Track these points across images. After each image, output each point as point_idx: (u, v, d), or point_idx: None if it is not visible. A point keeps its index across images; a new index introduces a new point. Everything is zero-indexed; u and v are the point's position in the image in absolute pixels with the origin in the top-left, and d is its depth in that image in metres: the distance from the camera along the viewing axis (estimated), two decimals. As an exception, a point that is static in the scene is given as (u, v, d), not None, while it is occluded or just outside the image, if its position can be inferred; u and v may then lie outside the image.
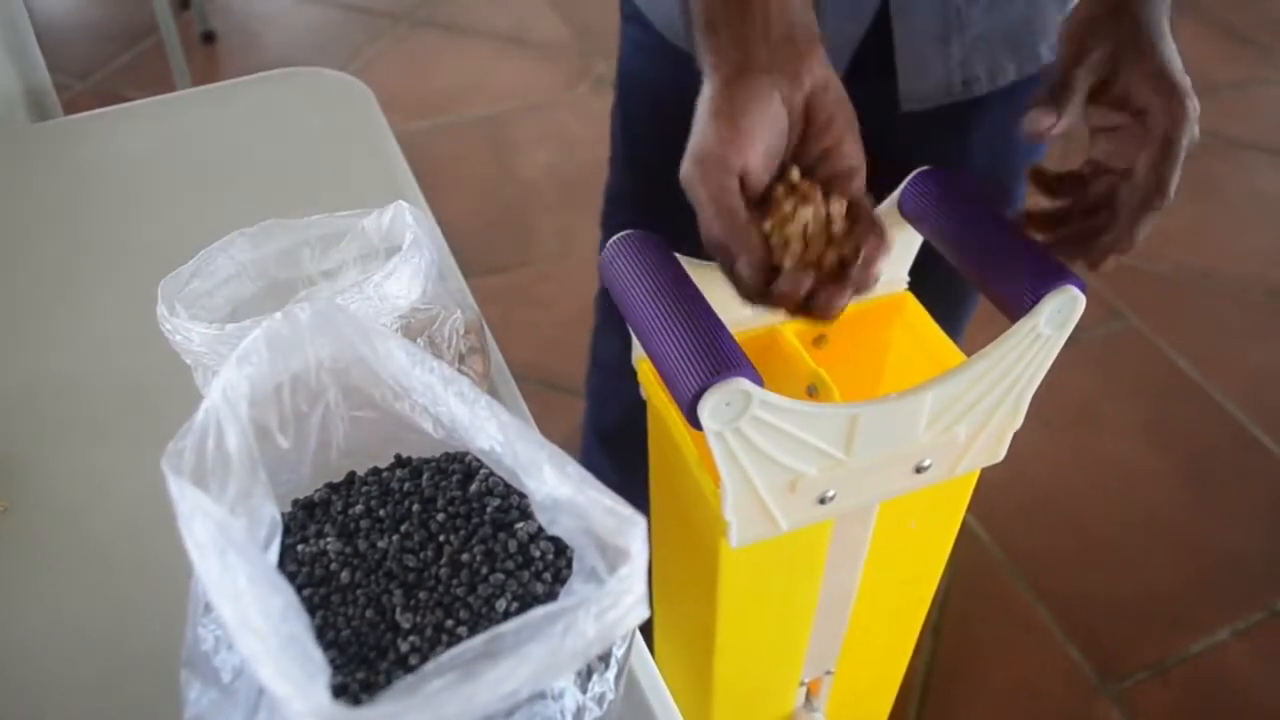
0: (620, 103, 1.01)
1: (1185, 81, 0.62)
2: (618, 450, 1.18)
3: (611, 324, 1.12)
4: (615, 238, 0.63)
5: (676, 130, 1.02)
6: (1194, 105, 0.61)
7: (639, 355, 0.68)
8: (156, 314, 0.55)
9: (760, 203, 0.56)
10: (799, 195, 0.55)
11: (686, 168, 0.56)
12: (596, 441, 1.22)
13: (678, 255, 0.63)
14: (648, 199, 1.02)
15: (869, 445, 0.60)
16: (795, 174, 0.57)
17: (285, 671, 0.35)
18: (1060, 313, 0.58)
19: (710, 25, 0.58)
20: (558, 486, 0.42)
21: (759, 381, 0.53)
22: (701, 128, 0.56)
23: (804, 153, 0.58)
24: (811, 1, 0.59)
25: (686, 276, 0.60)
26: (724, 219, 0.54)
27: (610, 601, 0.37)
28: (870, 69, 0.86)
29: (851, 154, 0.58)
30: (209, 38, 2.65)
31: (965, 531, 1.66)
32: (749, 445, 0.56)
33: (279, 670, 0.35)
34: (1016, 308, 0.59)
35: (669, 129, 0.97)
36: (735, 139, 0.54)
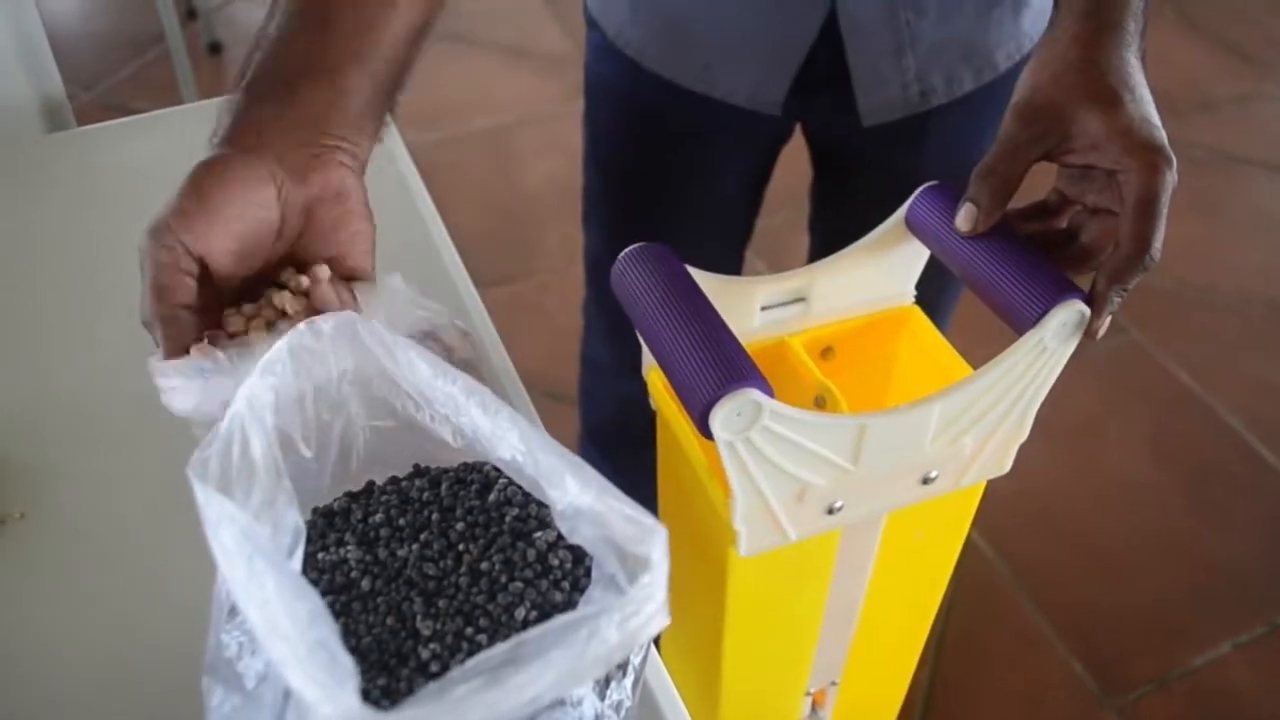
0: (587, 106, 1.03)
1: (1158, 137, 0.57)
2: (609, 449, 1.20)
3: (599, 325, 1.14)
4: (627, 251, 0.64)
5: (636, 134, 1.04)
6: (1168, 159, 0.56)
7: (649, 365, 0.68)
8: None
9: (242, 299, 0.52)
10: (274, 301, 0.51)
11: (141, 238, 0.49)
12: (590, 442, 1.23)
13: (689, 267, 0.63)
14: (615, 200, 1.05)
15: (877, 456, 0.61)
16: (292, 279, 0.52)
17: (314, 676, 0.35)
18: (1066, 326, 0.59)
19: (252, 88, 0.53)
20: (579, 495, 0.42)
21: (769, 392, 0.54)
22: (171, 197, 0.50)
23: (305, 254, 0.53)
24: (372, 110, 0.54)
25: (697, 288, 0.61)
26: (154, 297, 0.48)
27: (633, 609, 0.37)
28: (824, 82, 0.87)
29: (357, 267, 0.54)
30: (215, 48, 2.66)
31: (968, 544, 1.66)
32: (759, 455, 0.57)
33: (307, 675, 0.35)
34: (1022, 320, 0.59)
35: (631, 133, 1.00)
36: (196, 214, 0.49)
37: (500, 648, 0.37)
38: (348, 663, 0.36)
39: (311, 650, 0.36)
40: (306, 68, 0.53)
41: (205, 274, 0.50)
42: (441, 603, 0.47)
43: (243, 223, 0.50)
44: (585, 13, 0.97)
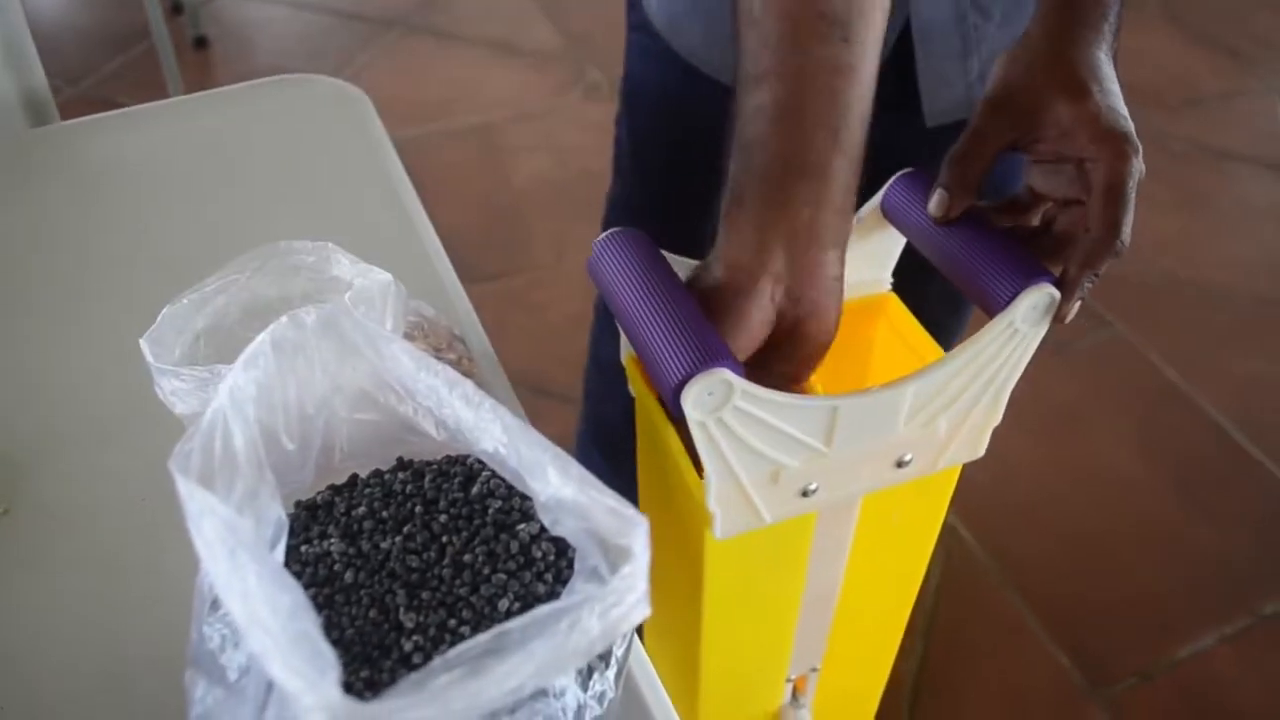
0: (626, 111, 1.01)
1: (1124, 125, 0.59)
2: (615, 453, 1.19)
3: (612, 326, 1.13)
4: (603, 235, 0.64)
5: (684, 138, 1.03)
6: (1135, 146, 0.58)
7: (627, 352, 0.69)
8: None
9: None
10: None
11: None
12: (594, 444, 1.22)
13: (665, 253, 0.64)
14: (654, 206, 1.03)
15: (849, 438, 0.61)
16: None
17: (295, 667, 0.35)
18: (1035, 309, 0.60)
19: (737, 199, 0.57)
20: (561, 488, 0.42)
21: (741, 373, 0.54)
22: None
23: (769, 356, 0.58)
24: (852, 203, 0.57)
25: (672, 272, 0.61)
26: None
27: (614, 599, 0.37)
28: (887, 85, 0.87)
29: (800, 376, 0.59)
30: (201, 43, 2.65)
31: (954, 537, 1.68)
32: (731, 435, 0.57)
33: (289, 666, 0.35)
34: (994, 304, 0.60)
35: (677, 137, 0.99)
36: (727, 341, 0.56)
37: (481, 638, 0.37)
38: (329, 654, 0.36)
39: (293, 642, 0.36)
40: (791, 166, 0.55)
41: None
42: (424, 595, 0.47)
43: (749, 338, 0.56)
44: (629, 16, 0.95)
